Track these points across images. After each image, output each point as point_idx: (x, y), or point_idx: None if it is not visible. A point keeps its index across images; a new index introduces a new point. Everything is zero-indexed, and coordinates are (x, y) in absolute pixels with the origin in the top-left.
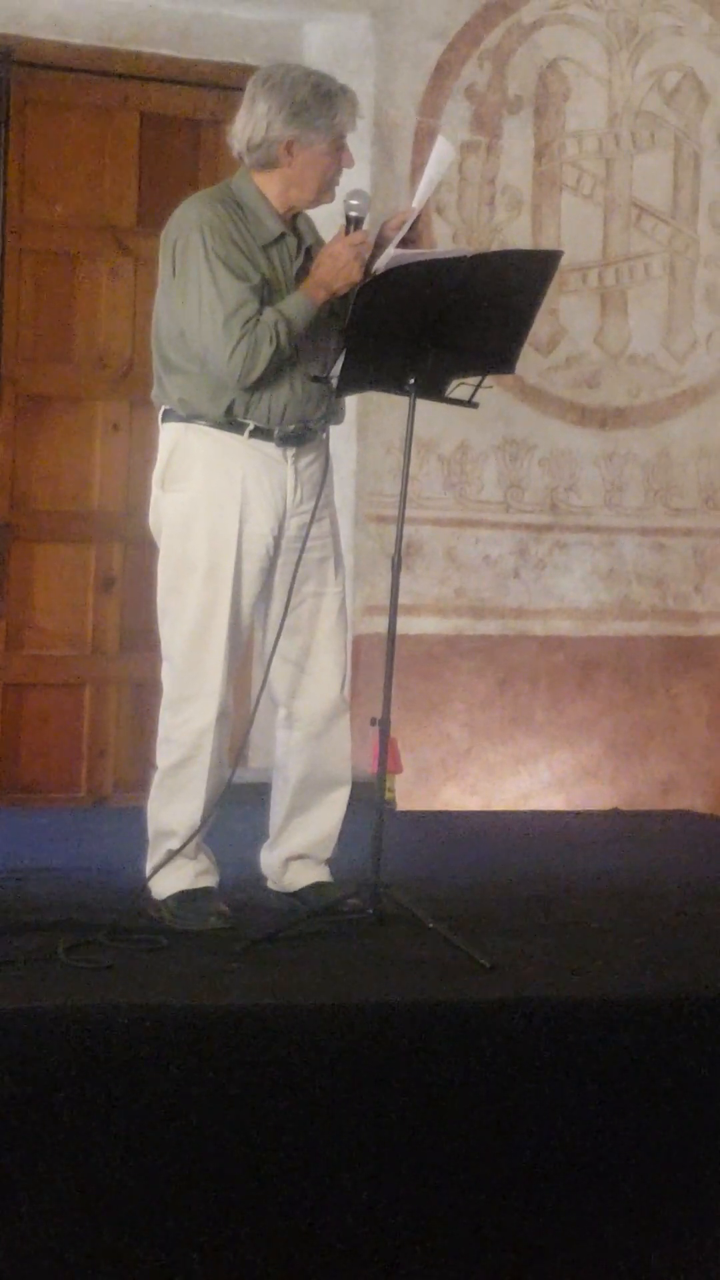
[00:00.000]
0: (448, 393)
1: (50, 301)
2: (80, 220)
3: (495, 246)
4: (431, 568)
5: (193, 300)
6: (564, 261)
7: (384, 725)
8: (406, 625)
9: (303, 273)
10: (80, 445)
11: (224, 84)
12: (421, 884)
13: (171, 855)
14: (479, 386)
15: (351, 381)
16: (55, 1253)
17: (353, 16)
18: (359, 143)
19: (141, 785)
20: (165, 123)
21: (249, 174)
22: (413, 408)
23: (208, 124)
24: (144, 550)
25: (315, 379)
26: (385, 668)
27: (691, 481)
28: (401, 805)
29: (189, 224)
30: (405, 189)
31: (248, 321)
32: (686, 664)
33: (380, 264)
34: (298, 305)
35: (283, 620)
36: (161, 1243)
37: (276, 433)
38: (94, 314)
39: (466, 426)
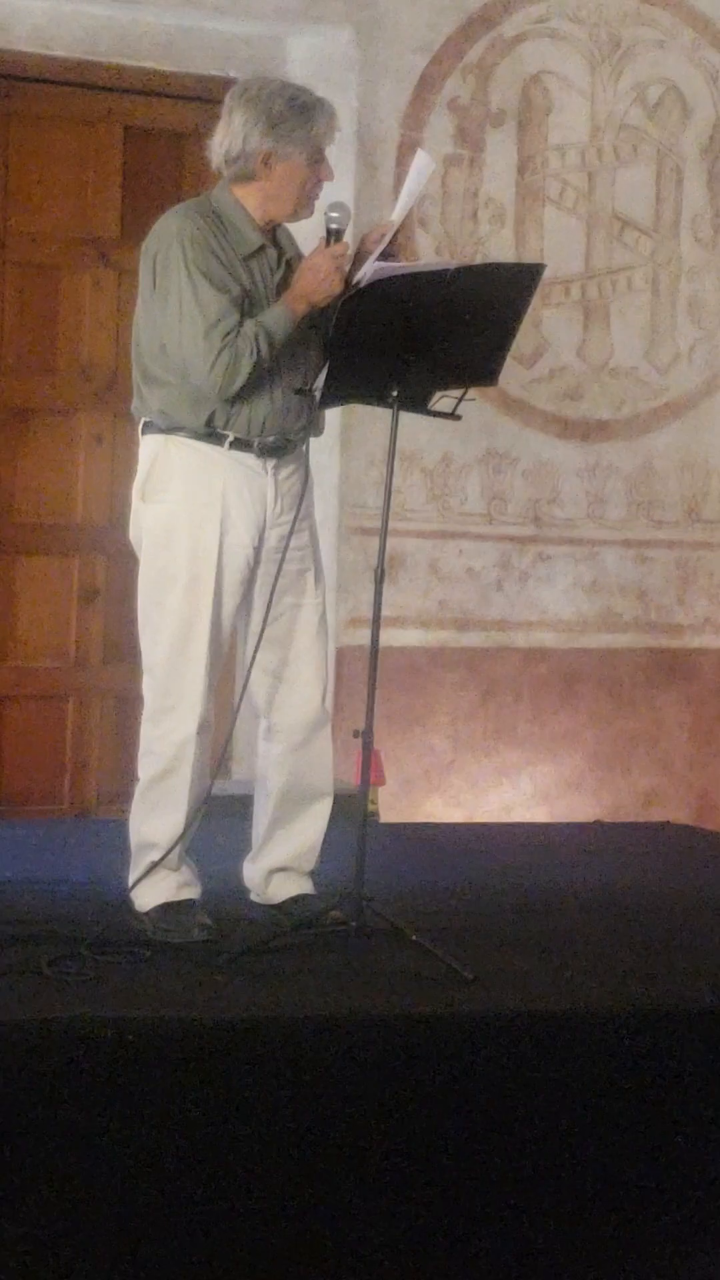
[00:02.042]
0: (430, 405)
1: (34, 314)
2: (64, 233)
3: (478, 259)
4: (415, 580)
5: (173, 312)
6: (547, 274)
7: (367, 737)
8: (390, 637)
9: (283, 285)
10: (63, 457)
11: (207, 97)
12: (404, 896)
13: (153, 867)
14: (461, 399)
15: (334, 394)
16: (38, 1266)
17: (335, 30)
18: (342, 156)
19: (124, 797)
20: (149, 135)
21: (228, 187)
22: (395, 420)
23: (191, 136)
24: (127, 562)
25: (299, 391)
26: (368, 680)
27: (674, 494)
28: (384, 817)
29: (169, 236)
30: (389, 202)
31: (228, 333)
32: (669, 676)
33: (361, 276)
34: (278, 317)
35: (261, 631)
36: (143, 1256)
37: (257, 444)
38: (77, 326)
39: (449, 439)
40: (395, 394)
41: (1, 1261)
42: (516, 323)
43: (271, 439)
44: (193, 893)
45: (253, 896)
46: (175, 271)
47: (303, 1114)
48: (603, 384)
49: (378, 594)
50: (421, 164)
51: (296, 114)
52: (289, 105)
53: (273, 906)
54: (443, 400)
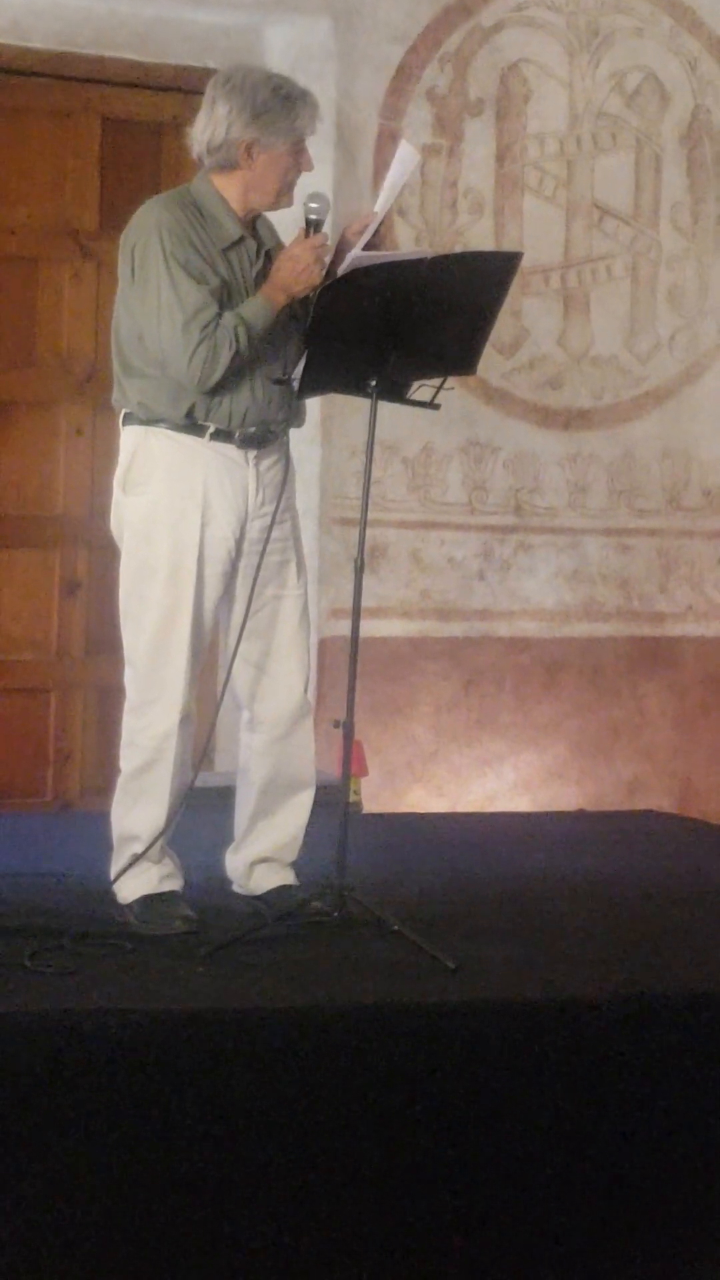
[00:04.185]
0: (409, 394)
1: (12, 306)
2: (42, 225)
3: (458, 249)
4: (396, 570)
5: (151, 304)
6: (526, 263)
7: (348, 728)
8: (372, 628)
9: (262, 276)
10: (44, 450)
11: (185, 87)
12: (387, 886)
13: (136, 859)
14: (440, 388)
15: (313, 384)
16: (20, 1259)
17: (313, 19)
18: (321, 146)
19: (107, 790)
20: (127, 126)
21: (208, 176)
22: (374, 410)
23: (169, 127)
24: (109, 554)
25: (277, 381)
26: (350, 670)
27: (655, 482)
28: (367, 808)
29: (147, 228)
30: (367, 192)
31: (207, 325)
32: (652, 664)
33: (343, 269)
34: (257, 308)
35: (244, 623)
36: (123, 1250)
37: (237, 435)
38: (57, 318)
39: (430, 429)
40: (374, 383)
41: None
42: (495, 311)
43: (252, 430)
44: (175, 884)
45: (235, 888)
46: (154, 263)
47: (286, 1105)
48: (583, 373)
49: (358, 584)
50: (405, 155)
51: (280, 104)
52: (273, 95)
53: (255, 898)
54: (422, 390)
